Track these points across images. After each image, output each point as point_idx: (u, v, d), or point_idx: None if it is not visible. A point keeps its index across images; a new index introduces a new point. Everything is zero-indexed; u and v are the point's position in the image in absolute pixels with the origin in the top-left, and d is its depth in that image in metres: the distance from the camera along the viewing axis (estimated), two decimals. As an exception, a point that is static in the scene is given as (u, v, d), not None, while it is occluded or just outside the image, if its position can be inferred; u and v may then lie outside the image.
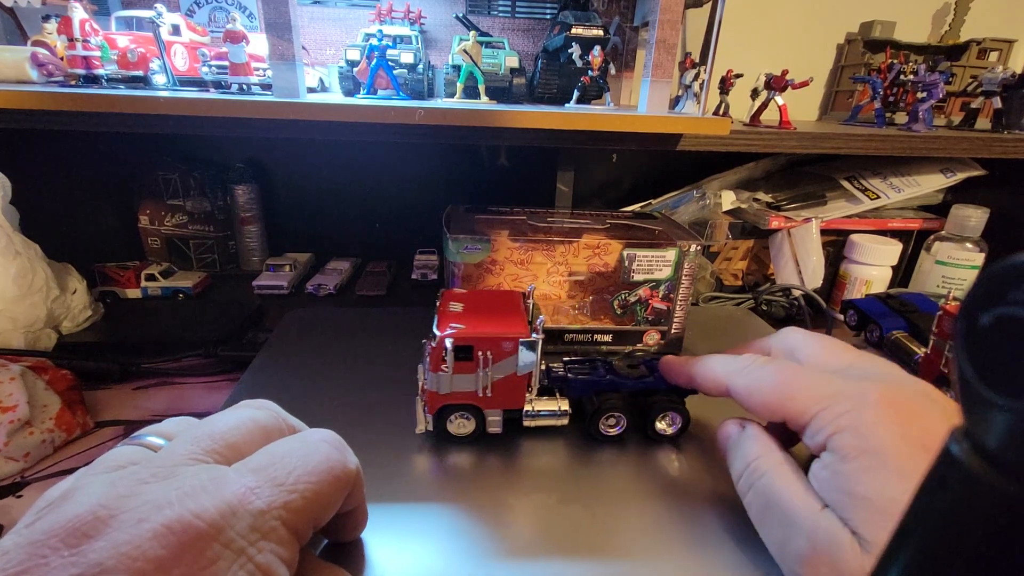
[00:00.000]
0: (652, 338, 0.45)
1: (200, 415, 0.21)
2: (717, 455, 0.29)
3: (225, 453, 0.19)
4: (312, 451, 0.20)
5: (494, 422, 0.32)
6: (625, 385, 0.33)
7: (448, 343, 0.29)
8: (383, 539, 0.25)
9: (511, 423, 0.33)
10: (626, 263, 0.43)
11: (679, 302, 0.44)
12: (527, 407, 0.32)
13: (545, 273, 0.44)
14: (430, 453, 0.32)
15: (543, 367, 0.34)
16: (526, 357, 0.30)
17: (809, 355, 0.27)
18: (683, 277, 0.44)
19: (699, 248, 0.43)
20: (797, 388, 0.24)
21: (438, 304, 0.33)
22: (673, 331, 0.45)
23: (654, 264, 0.43)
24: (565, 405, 0.33)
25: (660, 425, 0.33)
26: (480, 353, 0.30)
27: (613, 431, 0.33)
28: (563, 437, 0.34)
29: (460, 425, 0.32)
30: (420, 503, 0.28)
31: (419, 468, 0.31)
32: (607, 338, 0.45)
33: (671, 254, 0.43)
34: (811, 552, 0.21)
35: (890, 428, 0.21)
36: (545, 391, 0.33)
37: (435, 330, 0.30)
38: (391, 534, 0.26)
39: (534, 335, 0.30)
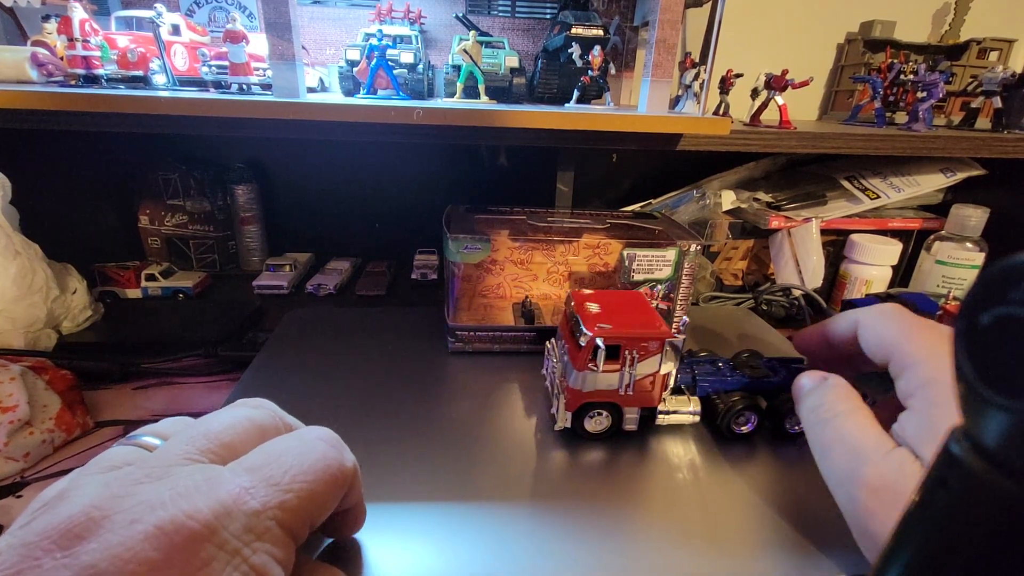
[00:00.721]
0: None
1: (200, 415, 0.21)
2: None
3: (220, 452, 0.19)
4: (308, 449, 0.20)
5: (631, 419, 0.33)
6: (752, 384, 0.34)
7: (599, 342, 0.30)
8: (381, 539, 0.25)
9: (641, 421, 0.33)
10: (626, 263, 0.43)
11: (679, 302, 0.44)
12: (661, 406, 0.33)
13: (545, 273, 0.44)
14: (424, 453, 0.32)
15: None
16: (668, 357, 0.32)
17: None
18: (683, 277, 0.44)
19: (699, 248, 0.43)
20: (917, 334, 0.26)
21: (572, 304, 0.34)
22: (673, 331, 0.45)
23: (654, 264, 0.43)
24: (696, 404, 0.33)
25: (792, 422, 0.34)
26: (626, 352, 0.31)
27: (744, 428, 0.34)
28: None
29: (597, 423, 0.33)
30: (419, 503, 0.28)
31: (417, 467, 0.31)
32: (680, 338, 0.45)
33: (671, 254, 0.43)
34: (877, 479, 0.22)
35: None
36: (675, 390, 0.34)
37: (584, 329, 0.31)
38: (390, 533, 0.26)
39: (677, 335, 0.31)
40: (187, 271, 0.66)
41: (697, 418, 0.34)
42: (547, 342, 0.38)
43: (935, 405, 0.22)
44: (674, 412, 0.33)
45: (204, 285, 0.64)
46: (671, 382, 0.33)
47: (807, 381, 0.29)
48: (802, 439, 0.33)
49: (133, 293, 0.61)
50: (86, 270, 0.56)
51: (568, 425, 0.32)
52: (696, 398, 0.34)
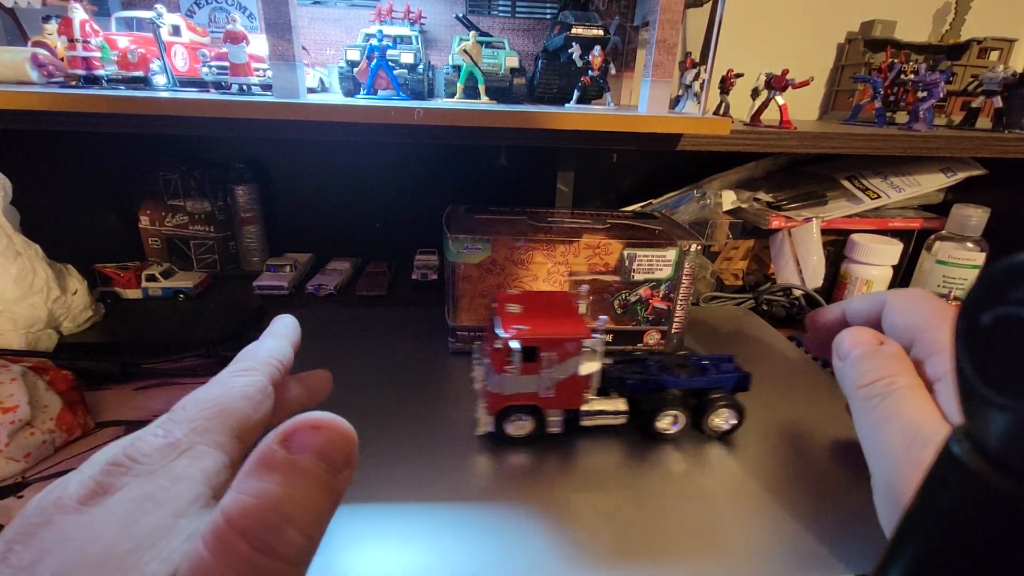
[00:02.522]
0: (652, 338, 0.45)
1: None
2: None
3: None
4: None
5: (554, 422, 0.32)
6: (679, 383, 0.34)
7: (514, 344, 0.29)
8: (377, 540, 0.25)
9: (567, 423, 0.33)
10: (626, 263, 0.43)
11: (679, 302, 0.44)
12: (586, 407, 0.33)
13: (545, 273, 0.44)
14: (424, 453, 0.32)
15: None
16: (588, 358, 0.31)
17: None
18: (683, 277, 0.44)
19: (699, 248, 0.43)
20: (947, 322, 0.25)
21: (494, 306, 0.34)
22: (673, 331, 0.45)
23: (654, 264, 0.43)
24: (623, 405, 0.33)
25: (716, 422, 0.33)
26: (544, 354, 0.30)
27: (671, 430, 0.33)
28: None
29: (519, 426, 0.32)
30: (405, 504, 0.28)
31: (412, 467, 0.30)
32: (607, 338, 0.45)
33: (671, 254, 0.43)
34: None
35: None
36: (600, 391, 0.34)
37: (499, 331, 0.30)
38: (387, 534, 0.26)
39: (596, 336, 0.31)
40: (187, 271, 0.66)
41: (624, 419, 0.33)
42: (474, 344, 0.38)
43: None
44: (599, 413, 0.33)
45: (204, 285, 0.64)
46: (595, 383, 0.32)
47: (855, 344, 0.27)
48: (726, 438, 0.33)
49: (133, 293, 0.61)
50: (86, 270, 0.56)
51: (491, 429, 0.32)
52: (623, 399, 0.33)
